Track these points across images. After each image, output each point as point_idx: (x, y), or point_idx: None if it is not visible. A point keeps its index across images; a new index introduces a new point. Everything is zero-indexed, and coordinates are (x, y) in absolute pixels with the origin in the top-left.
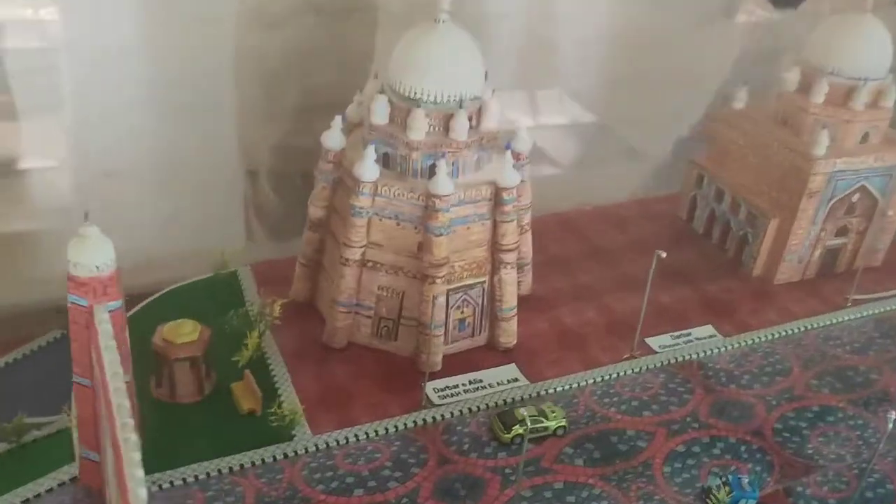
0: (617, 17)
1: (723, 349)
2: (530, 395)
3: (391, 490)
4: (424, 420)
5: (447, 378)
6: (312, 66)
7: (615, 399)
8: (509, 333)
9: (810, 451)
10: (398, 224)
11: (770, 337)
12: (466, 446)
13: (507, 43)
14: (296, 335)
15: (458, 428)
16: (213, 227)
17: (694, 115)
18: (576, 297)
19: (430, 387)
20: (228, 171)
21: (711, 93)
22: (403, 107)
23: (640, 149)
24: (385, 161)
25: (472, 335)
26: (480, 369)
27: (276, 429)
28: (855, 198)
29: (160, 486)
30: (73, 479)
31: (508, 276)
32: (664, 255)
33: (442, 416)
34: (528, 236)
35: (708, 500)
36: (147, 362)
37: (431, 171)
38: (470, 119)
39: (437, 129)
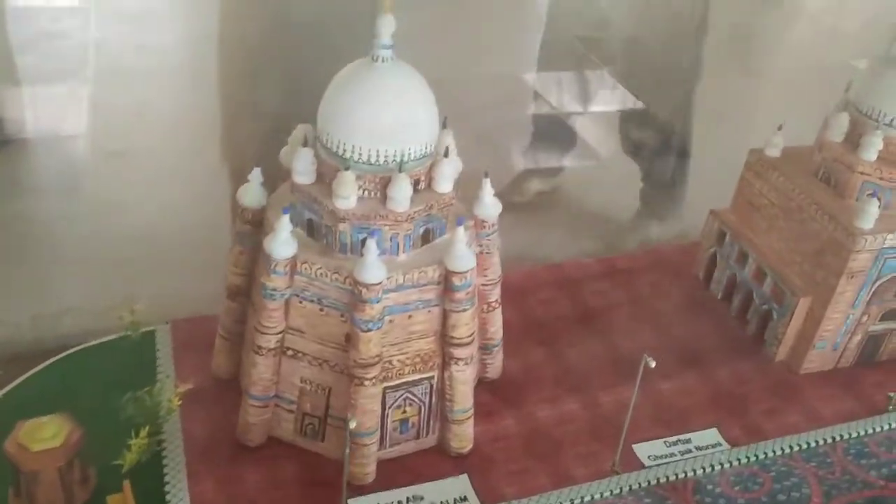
0: None
1: (727, 465)
2: None
3: None
4: None
5: (379, 493)
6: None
7: None
8: (462, 438)
9: None
10: (321, 309)
11: (788, 450)
12: None
13: None
14: (209, 422)
15: None
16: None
17: None
18: (557, 381)
19: None
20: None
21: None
22: (332, 164)
23: None
24: (310, 228)
25: (418, 437)
26: (425, 480)
27: None
28: None
29: None
30: None
31: (461, 373)
32: (653, 364)
33: None
34: (498, 313)
35: None
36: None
37: (364, 245)
38: (417, 182)
39: (373, 193)
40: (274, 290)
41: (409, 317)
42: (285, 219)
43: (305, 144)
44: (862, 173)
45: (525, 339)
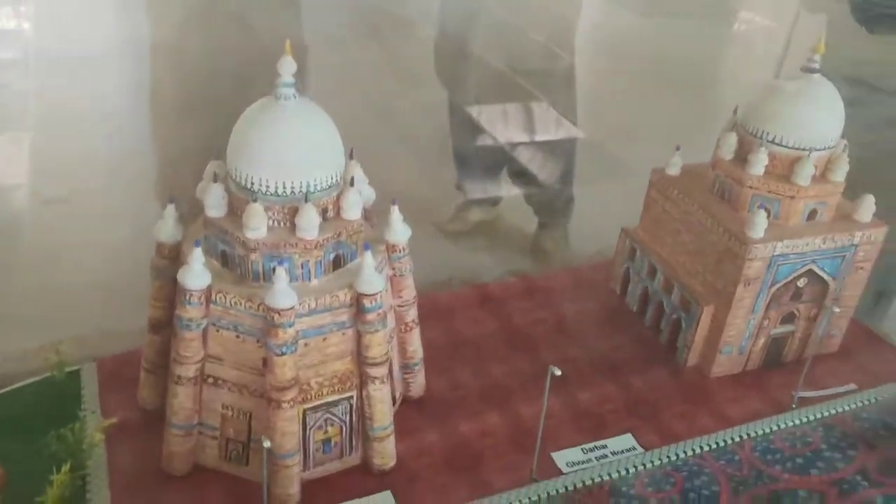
0: None
1: (640, 467)
2: None
3: None
4: None
5: None
6: None
7: None
8: (384, 455)
9: None
10: (238, 336)
11: (698, 450)
12: None
13: None
14: (135, 454)
15: None
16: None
17: None
18: (481, 395)
19: None
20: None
21: None
22: (241, 198)
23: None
24: (224, 259)
25: (342, 456)
26: (351, 498)
27: None
28: (801, 282)
29: None
30: None
31: (378, 392)
32: (559, 372)
33: None
34: (416, 333)
35: None
36: None
37: (275, 273)
38: (325, 211)
39: (282, 223)
40: (190, 320)
41: (324, 339)
42: (198, 251)
43: (216, 180)
44: (751, 187)
45: (451, 358)
